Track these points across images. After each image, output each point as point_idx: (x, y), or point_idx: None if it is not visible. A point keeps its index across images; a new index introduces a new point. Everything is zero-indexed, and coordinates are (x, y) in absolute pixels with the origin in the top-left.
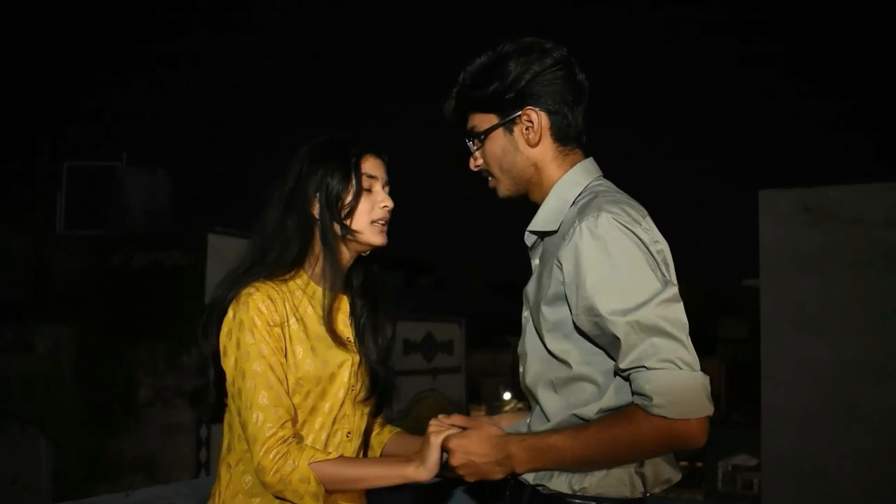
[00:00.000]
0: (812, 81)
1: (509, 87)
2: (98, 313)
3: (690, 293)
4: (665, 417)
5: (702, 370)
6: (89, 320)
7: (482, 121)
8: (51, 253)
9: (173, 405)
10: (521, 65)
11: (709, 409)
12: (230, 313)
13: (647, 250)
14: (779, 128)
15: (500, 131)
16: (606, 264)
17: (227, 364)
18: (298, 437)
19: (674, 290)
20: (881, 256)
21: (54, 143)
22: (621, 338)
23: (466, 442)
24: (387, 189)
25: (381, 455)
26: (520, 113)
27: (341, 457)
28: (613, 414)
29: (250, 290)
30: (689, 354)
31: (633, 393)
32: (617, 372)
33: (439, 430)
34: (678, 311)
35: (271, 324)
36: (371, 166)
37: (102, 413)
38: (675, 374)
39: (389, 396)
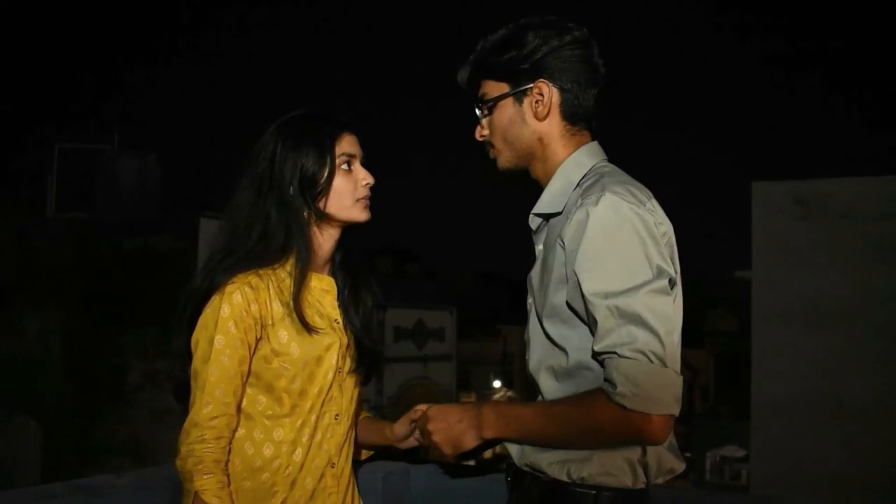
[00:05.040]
0: (807, 73)
1: (525, 58)
2: (87, 297)
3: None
4: (624, 407)
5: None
6: (78, 304)
7: (494, 88)
8: (40, 236)
9: (163, 389)
10: (539, 37)
11: (672, 409)
12: (207, 307)
13: (647, 235)
14: (772, 119)
15: (509, 101)
16: (600, 244)
17: (195, 351)
18: (220, 442)
19: (663, 282)
20: (872, 249)
21: (45, 125)
22: (599, 321)
23: (445, 406)
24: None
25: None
26: (531, 85)
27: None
28: (580, 395)
29: (230, 281)
30: (665, 350)
31: (604, 379)
32: (593, 355)
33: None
34: (665, 304)
35: (245, 315)
36: (348, 144)
37: (91, 397)
38: (644, 367)
39: (377, 365)
